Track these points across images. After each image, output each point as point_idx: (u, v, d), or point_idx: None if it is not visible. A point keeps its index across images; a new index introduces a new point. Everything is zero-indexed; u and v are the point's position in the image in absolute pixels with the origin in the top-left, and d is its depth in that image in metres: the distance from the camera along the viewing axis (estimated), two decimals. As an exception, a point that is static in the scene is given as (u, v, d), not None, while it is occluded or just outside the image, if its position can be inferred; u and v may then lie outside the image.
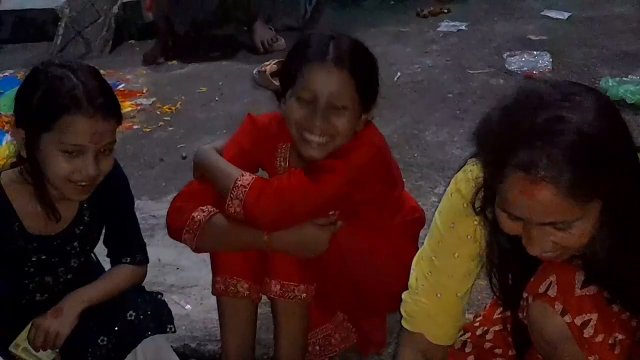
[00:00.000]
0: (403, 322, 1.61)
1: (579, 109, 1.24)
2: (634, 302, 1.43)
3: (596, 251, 1.36)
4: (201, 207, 1.80)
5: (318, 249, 1.77)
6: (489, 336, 1.72)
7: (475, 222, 1.49)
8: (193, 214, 1.80)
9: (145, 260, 1.88)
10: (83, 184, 1.65)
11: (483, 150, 1.33)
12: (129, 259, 1.84)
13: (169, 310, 1.78)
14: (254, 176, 1.80)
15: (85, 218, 1.79)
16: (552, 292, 1.47)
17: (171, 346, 1.87)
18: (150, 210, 2.76)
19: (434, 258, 1.56)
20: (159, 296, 1.81)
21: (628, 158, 1.29)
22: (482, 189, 1.41)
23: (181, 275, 2.38)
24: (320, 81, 1.72)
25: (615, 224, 1.32)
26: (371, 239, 1.83)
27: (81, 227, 1.78)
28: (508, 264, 1.49)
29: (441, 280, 1.56)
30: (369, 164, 1.78)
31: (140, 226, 1.90)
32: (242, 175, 1.77)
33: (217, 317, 1.90)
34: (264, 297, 1.87)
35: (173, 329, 1.76)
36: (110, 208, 1.81)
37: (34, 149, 1.63)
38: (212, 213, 1.79)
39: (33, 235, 1.72)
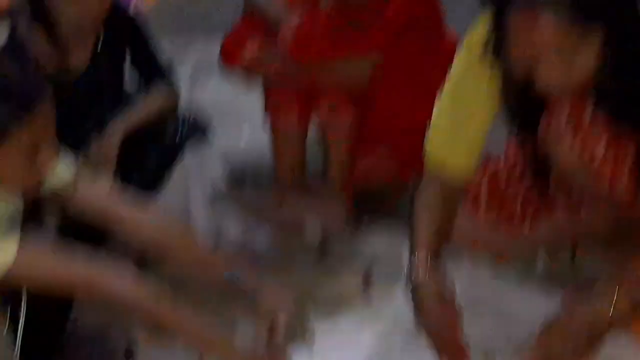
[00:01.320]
0: (425, 160, 1.68)
1: None
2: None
3: (603, 82, 1.44)
4: (251, 42, 1.97)
5: (358, 83, 1.96)
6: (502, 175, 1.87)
7: (488, 72, 1.55)
8: (244, 50, 1.97)
9: (175, 82, 1.99)
10: None
11: None
12: (159, 82, 1.95)
13: (207, 122, 1.96)
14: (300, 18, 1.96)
15: (102, 57, 1.89)
16: (562, 120, 1.58)
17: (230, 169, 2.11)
18: (204, 50, 2.90)
19: (453, 98, 1.65)
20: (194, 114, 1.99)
21: None
22: (492, 38, 1.46)
23: (236, 110, 2.56)
24: None
25: (618, 53, 1.37)
26: (413, 72, 1.98)
27: (101, 65, 1.89)
28: (523, 104, 1.58)
29: (460, 116, 1.64)
30: (409, 12, 1.93)
31: (196, 65, 2.06)
32: (292, 16, 1.93)
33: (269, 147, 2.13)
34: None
35: (211, 136, 1.96)
36: (126, 39, 1.93)
37: None
38: (262, 46, 1.96)
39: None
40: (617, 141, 1.61)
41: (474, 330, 1.61)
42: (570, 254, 1.89)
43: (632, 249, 1.74)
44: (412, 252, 1.59)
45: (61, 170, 1.52)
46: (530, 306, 1.79)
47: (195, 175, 1.93)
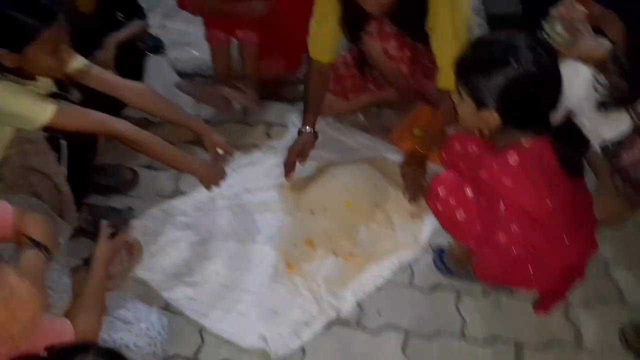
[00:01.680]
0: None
1: None
2: (417, 36, 2.77)
3: (396, 9, 2.59)
4: None
5: (257, 15, 3.12)
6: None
7: (336, 3, 2.63)
8: None
9: (145, 17, 3.09)
10: None
11: None
12: (136, 18, 3.05)
13: (163, 42, 3.27)
14: None
15: (103, 3, 2.94)
16: (374, 32, 2.83)
17: (184, 71, 3.39)
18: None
19: (316, 18, 2.72)
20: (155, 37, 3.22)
21: None
22: None
23: (189, 35, 3.70)
24: None
25: None
26: (295, 5, 3.08)
27: (101, 8, 2.94)
28: (355, 21, 2.76)
29: (321, 29, 2.71)
30: None
31: (163, 11, 3.26)
32: None
33: (210, 57, 3.36)
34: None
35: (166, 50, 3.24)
36: None
37: None
38: None
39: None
40: (402, 44, 2.88)
41: (326, 155, 2.86)
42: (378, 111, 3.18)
43: (413, 108, 3.08)
44: (304, 111, 2.82)
45: (77, 62, 2.38)
46: (356, 140, 3.03)
47: (158, 73, 3.19)
